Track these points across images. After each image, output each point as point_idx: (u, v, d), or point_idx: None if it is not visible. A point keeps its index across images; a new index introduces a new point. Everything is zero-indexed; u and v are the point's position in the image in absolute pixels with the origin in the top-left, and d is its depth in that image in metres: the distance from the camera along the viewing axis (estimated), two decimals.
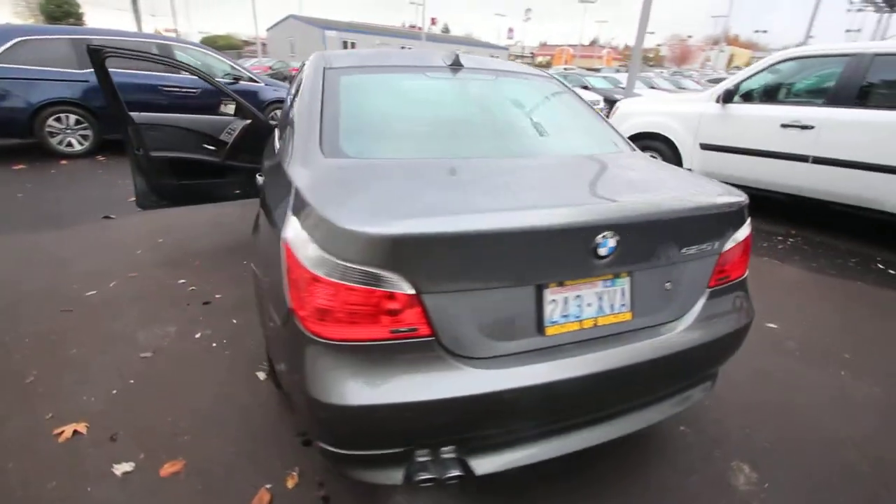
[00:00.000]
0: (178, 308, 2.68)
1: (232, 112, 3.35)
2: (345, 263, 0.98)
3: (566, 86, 2.18)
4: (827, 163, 3.63)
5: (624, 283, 1.22)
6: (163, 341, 2.33)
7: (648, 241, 1.21)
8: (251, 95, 7.10)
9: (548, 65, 59.41)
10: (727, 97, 4.19)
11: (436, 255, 1.01)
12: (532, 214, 1.08)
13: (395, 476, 1.12)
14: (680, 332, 1.27)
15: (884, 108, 3.41)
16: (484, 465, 1.15)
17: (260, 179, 1.90)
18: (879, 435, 1.87)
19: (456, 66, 1.94)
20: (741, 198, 1.39)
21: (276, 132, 2.13)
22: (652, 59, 70.38)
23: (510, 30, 63.63)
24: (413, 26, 55.08)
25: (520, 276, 1.10)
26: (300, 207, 1.12)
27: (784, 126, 3.81)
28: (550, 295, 1.14)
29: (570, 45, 69.77)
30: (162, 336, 2.37)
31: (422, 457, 1.11)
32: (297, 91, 1.92)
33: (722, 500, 1.55)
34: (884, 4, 23.64)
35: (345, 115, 1.55)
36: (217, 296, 2.83)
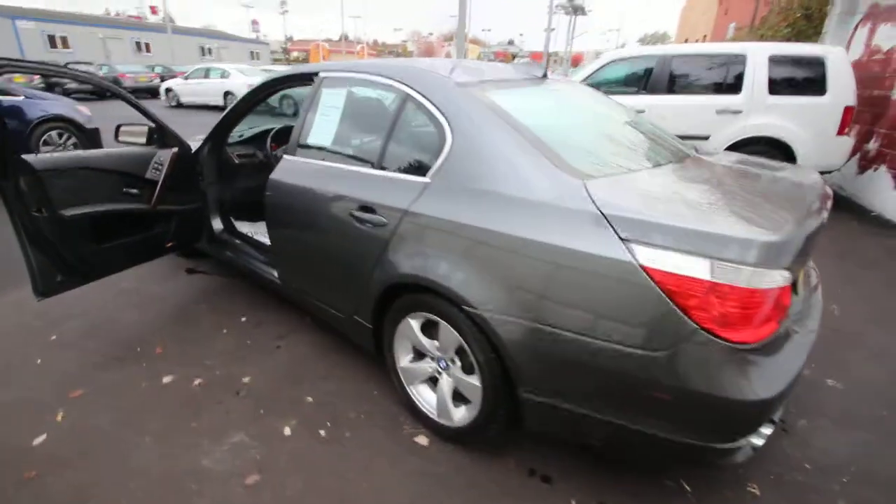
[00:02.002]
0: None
1: (140, 139, 2.57)
2: (752, 269, 1.14)
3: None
4: None
5: None
6: None
7: None
8: (15, 114, 5.23)
9: (305, 60, 57.86)
10: None
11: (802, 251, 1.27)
12: None
13: (748, 451, 1.35)
14: None
15: (684, 93, 4.85)
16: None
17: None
18: None
19: (545, 77, 2.09)
20: None
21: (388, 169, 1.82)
22: (403, 54, 75.83)
23: (254, 22, 59.22)
24: (133, 16, 46.31)
25: None
26: (649, 230, 1.21)
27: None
28: None
29: (324, 41, 69.37)
30: None
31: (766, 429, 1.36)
32: (395, 119, 1.81)
33: None
34: (572, 10, 31.61)
35: (541, 133, 1.58)
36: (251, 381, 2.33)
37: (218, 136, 2.82)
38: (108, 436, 1.82)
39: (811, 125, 4.62)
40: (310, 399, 2.03)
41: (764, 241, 1.15)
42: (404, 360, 1.89)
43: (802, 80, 4.67)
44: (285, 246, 2.26)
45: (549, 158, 1.47)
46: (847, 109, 4.54)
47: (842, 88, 4.55)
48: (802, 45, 5.14)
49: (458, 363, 1.71)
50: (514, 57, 69.05)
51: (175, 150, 2.56)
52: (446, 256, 1.55)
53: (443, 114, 1.66)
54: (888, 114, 4.94)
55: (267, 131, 3.30)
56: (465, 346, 1.59)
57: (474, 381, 1.62)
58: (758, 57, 4.69)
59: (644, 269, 1.20)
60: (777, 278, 1.19)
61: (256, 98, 2.58)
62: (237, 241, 2.91)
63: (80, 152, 2.23)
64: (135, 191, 2.42)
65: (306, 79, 2.28)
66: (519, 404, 1.51)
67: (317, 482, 1.63)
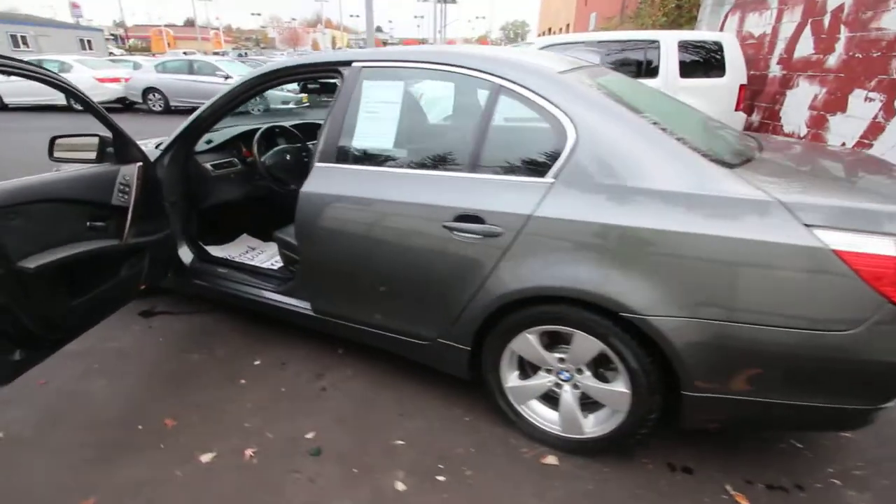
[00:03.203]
0: None
1: (87, 154, 1.95)
2: None
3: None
4: None
5: None
6: None
7: None
8: None
9: (147, 49, 50.45)
10: None
11: None
12: None
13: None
14: None
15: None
16: None
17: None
18: None
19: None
20: None
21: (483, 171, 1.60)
22: (263, 42, 70.19)
23: (74, 5, 49.88)
24: None
25: None
26: (833, 214, 1.23)
27: None
28: None
29: (166, 26, 61.31)
30: None
31: None
32: (488, 114, 1.59)
33: None
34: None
35: (665, 122, 1.49)
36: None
37: (184, 142, 2.27)
38: None
39: (716, 103, 5.25)
40: (401, 442, 1.76)
41: None
42: (512, 378, 1.72)
43: (705, 62, 5.29)
44: (329, 270, 1.90)
45: (692, 148, 1.42)
46: (741, 87, 5.26)
47: (737, 69, 5.25)
48: (703, 33, 5.81)
49: (587, 372, 1.60)
50: (385, 44, 68.37)
51: (140, 165, 1.99)
52: (592, 262, 1.41)
53: (556, 105, 1.49)
54: (766, 90, 5.85)
55: (245, 134, 2.74)
56: (611, 353, 1.49)
57: (618, 387, 1.53)
58: (669, 43, 5.19)
59: (836, 252, 1.21)
60: None
61: (244, 95, 2.11)
62: (220, 270, 2.40)
63: (30, 179, 1.60)
64: (100, 223, 1.83)
65: (327, 70, 1.91)
66: (679, 403, 1.46)
67: None
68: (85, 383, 2.07)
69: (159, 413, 1.89)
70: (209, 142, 2.53)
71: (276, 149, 2.59)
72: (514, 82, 1.56)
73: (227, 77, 11.19)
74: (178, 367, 2.18)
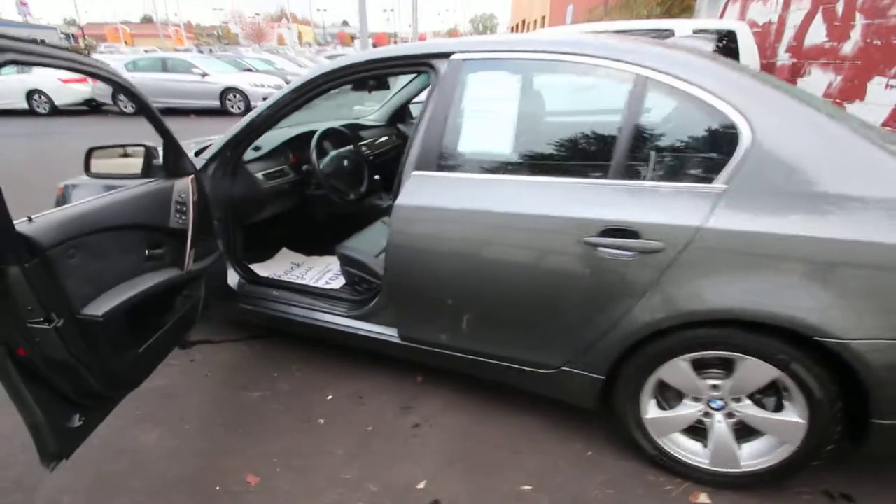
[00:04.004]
0: None
1: (131, 168, 1.64)
2: None
3: None
4: None
5: None
6: None
7: None
8: None
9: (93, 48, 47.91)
10: None
11: None
12: None
13: None
14: None
15: None
16: None
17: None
18: None
19: None
20: None
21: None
22: (226, 38, 67.78)
23: (22, 2, 46.90)
24: None
25: None
26: None
27: None
28: None
29: (122, 24, 58.52)
30: None
31: None
32: (632, 111, 1.37)
33: None
34: None
35: (835, 115, 1.32)
36: None
37: (234, 150, 1.97)
38: None
39: None
40: (528, 487, 1.54)
41: None
42: (652, 409, 1.53)
43: (719, 51, 5.21)
44: (429, 293, 1.65)
45: (878, 145, 1.24)
46: None
47: (751, 57, 5.21)
48: (717, 21, 5.74)
49: (747, 400, 1.43)
50: (353, 38, 66.99)
51: (191, 177, 1.70)
52: (779, 280, 1.23)
53: (723, 99, 1.29)
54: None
55: (301, 137, 2.43)
56: (788, 381, 1.31)
57: (791, 417, 1.35)
58: (684, 31, 5.08)
59: None
60: None
61: (306, 95, 1.83)
62: (272, 292, 2.13)
63: (83, 206, 1.29)
64: (158, 250, 1.54)
65: (414, 64, 1.66)
66: (866, 431, 1.30)
67: None
68: (135, 437, 1.77)
69: (236, 469, 1.62)
70: (256, 148, 2.23)
71: (332, 154, 2.31)
72: (667, 73, 1.35)
73: (204, 74, 10.62)
74: (241, 409, 1.91)
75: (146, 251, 1.48)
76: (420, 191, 1.58)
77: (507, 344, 1.63)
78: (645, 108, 1.37)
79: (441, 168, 1.57)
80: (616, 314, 1.41)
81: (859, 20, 4.77)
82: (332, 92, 1.87)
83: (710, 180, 1.30)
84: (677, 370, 1.43)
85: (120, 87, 1.42)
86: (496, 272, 1.52)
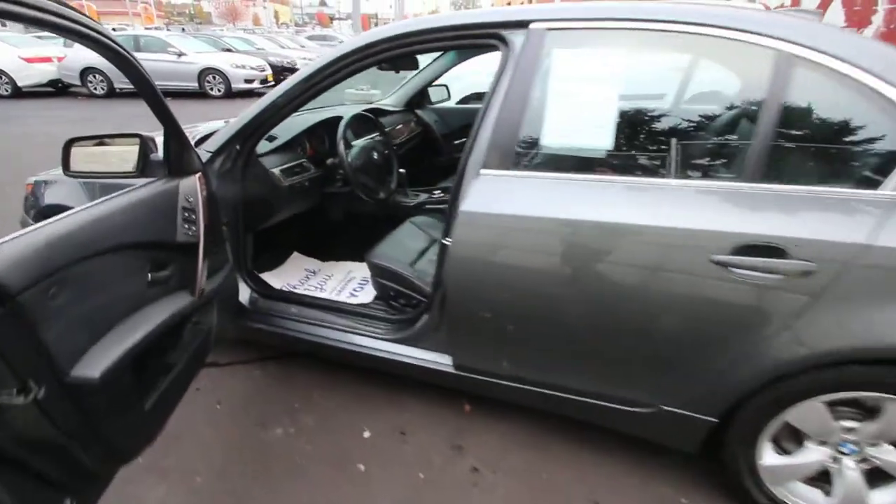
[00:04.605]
0: None
1: (123, 165, 1.30)
2: None
3: None
4: None
5: None
6: None
7: None
8: None
9: None
10: None
11: None
12: None
13: None
14: None
15: None
16: None
17: None
18: None
19: None
20: None
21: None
22: (198, 16, 64.97)
23: None
24: None
25: None
26: None
27: None
28: None
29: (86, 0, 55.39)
30: None
31: None
32: (774, 99, 1.08)
33: None
34: None
35: None
36: None
37: (246, 141, 1.63)
38: None
39: None
40: None
41: None
42: (768, 454, 1.29)
43: None
44: (499, 317, 1.37)
45: None
46: None
47: None
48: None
49: (886, 445, 1.20)
50: (332, 19, 65.04)
51: (198, 176, 1.37)
52: None
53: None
54: None
55: (321, 125, 2.08)
56: None
57: None
58: None
59: None
60: None
61: (336, 75, 1.50)
62: (290, 309, 1.82)
63: (67, 220, 0.95)
64: (164, 272, 1.21)
65: (478, 37, 1.35)
66: None
67: None
68: (138, 495, 1.44)
69: None
70: (269, 138, 1.88)
71: (359, 145, 1.98)
72: (822, 52, 1.07)
73: (180, 54, 9.95)
74: (262, 452, 1.60)
75: (149, 275, 1.15)
76: (492, 194, 1.28)
77: (595, 377, 1.37)
78: (792, 95, 1.10)
79: (519, 166, 1.27)
80: (746, 348, 1.15)
81: (882, 5, 4.59)
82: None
83: (876, 185, 1.04)
84: (811, 412, 1.19)
85: (118, 59, 1.09)
86: (590, 294, 1.24)
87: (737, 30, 1.12)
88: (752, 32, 1.11)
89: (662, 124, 1.27)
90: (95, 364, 0.89)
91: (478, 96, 4.84)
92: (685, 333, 1.20)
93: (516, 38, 1.29)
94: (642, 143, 1.27)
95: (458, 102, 3.52)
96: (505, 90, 1.27)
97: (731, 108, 1.19)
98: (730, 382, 1.20)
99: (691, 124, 1.23)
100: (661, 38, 1.19)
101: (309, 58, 13.24)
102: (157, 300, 1.16)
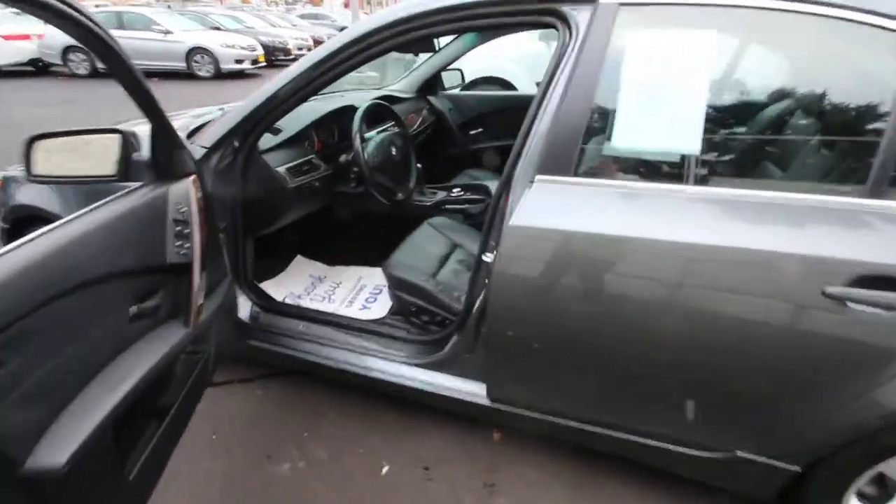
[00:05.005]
0: None
1: (102, 168, 1.07)
2: None
3: None
4: None
5: None
6: None
7: None
8: None
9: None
10: None
11: None
12: None
13: None
14: None
15: None
16: None
17: None
18: None
19: None
20: None
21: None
22: None
23: None
24: None
25: None
26: None
27: None
28: None
29: None
30: None
31: None
32: None
33: None
34: None
35: None
36: None
37: (245, 136, 1.40)
38: None
39: None
40: None
41: None
42: None
43: None
44: (550, 346, 1.17)
45: None
46: None
47: None
48: None
49: None
50: None
51: (192, 179, 1.14)
52: None
53: None
54: None
55: (334, 115, 1.85)
56: None
57: None
58: None
59: None
60: None
61: (364, 53, 1.26)
62: (297, 326, 1.61)
63: (23, 250, 0.72)
64: (150, 302, 0.99)
65: (534, 12, 1.12)
66: None
67: None
68: None
69: None
70: (274, 132, 1.63)
71: (376, 139, 1.75)
72: None
73: (166, 32, 9.49)
74: (270, 492, 1.41)
75: (132, 307, 0.94)
76: (551, 206, 1.07)
77: (665, 417, 1.18)
78: None
79: (579, 171, 1.06)
80: (852, 393, 0.97)
81: None
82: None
83: None
84: None
85: (92, 39, 0.86)
86: (675, 327, 1.04)
87: (880, 15, 0.91)
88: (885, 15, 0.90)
89: (770, 125, 1.06)
90: (60, 445, 0.68)
91: (486, 80, 4.59)
92: (782, 374, 1.01)
93: (580, 15, 1.06)
94: (738, 149, 1.06)
95: (464, 88, 3.27)
96: (566, 80, 1.05)
97: (852, 106, 0.98)
98: (827, 430, 1.02)
99: (808, 126, 1.01)
100: (756, 16, 0.97)
101: (302, 37, 12.79)
102: (143, 337, 0.94)
